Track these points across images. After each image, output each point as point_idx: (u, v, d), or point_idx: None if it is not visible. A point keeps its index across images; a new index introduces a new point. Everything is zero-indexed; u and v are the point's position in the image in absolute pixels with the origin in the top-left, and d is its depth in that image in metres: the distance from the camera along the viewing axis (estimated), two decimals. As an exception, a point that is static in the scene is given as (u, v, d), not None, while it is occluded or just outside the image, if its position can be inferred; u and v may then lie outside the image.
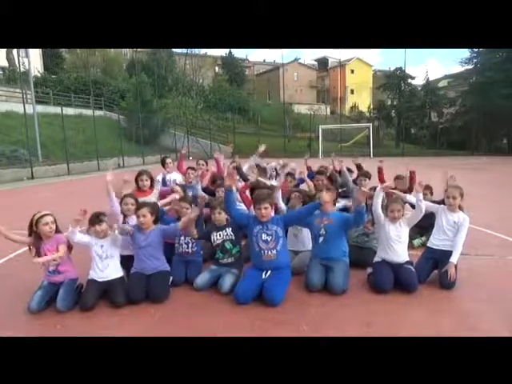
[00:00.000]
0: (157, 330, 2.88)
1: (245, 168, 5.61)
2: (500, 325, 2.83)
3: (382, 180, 5.40)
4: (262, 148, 5.86)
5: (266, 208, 3.38)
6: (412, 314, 3.10)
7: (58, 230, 3.41)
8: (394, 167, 6.48)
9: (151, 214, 3.50)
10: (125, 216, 3.96)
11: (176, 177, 5.77)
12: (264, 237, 3.41)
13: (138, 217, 3.49)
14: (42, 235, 3.31)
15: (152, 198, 4.38)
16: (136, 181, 4.64)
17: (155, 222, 3.59)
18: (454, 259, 3.50)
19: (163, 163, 5.88)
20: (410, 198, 3.96)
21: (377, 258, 3.69)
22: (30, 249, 3.37)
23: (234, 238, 3.71)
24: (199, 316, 3.09)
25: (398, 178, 5.16)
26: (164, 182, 5.43)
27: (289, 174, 5.44)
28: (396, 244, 3.57)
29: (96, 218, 3.38)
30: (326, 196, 3.39)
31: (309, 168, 6.32)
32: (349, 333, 2.76)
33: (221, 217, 3.70)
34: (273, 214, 3.59)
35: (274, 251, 3.40)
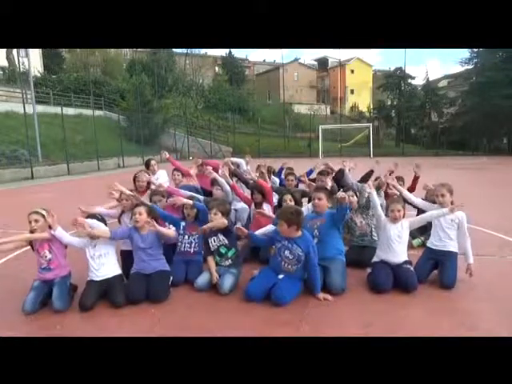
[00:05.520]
0: (157, 330, 2.88)
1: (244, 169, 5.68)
2: (500, 325, 2.83)
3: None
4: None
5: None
6: (412, 314, 3.10)
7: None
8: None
9: (147, 214, 3.50)
10: (122, 213, 4.02)
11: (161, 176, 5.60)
12: (286, 253, 3.35)
13: (133, 214, 3.49)
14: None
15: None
16: (134, 181, 4.70)
17: None
18: (470, 260, 3.60)
19: (147, 165, 5.69)
20: (413, 197, 3.95)
21: (375, 258, 3.70)
22: (30, 245, 3.38)
23: (226, 242, 3.71)
24: (199, 316, 3.09)
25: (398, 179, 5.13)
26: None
27: (290, 173, 5.45)
28: (396, 244, 3.57)
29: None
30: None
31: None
32: (349, 333, 2.76)
33: (216, 218, 3.65)
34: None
35: (295, 267, 3.35)
